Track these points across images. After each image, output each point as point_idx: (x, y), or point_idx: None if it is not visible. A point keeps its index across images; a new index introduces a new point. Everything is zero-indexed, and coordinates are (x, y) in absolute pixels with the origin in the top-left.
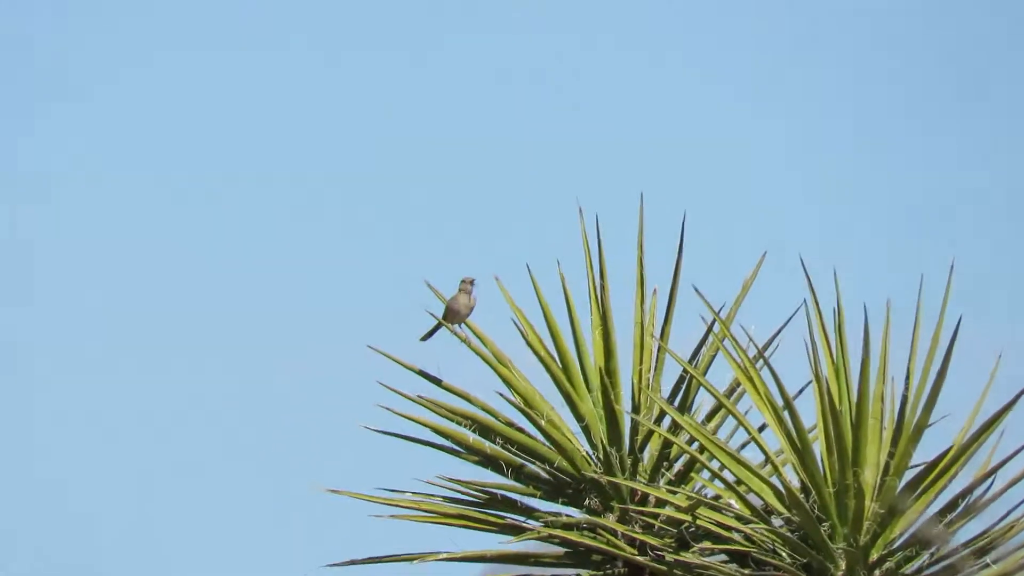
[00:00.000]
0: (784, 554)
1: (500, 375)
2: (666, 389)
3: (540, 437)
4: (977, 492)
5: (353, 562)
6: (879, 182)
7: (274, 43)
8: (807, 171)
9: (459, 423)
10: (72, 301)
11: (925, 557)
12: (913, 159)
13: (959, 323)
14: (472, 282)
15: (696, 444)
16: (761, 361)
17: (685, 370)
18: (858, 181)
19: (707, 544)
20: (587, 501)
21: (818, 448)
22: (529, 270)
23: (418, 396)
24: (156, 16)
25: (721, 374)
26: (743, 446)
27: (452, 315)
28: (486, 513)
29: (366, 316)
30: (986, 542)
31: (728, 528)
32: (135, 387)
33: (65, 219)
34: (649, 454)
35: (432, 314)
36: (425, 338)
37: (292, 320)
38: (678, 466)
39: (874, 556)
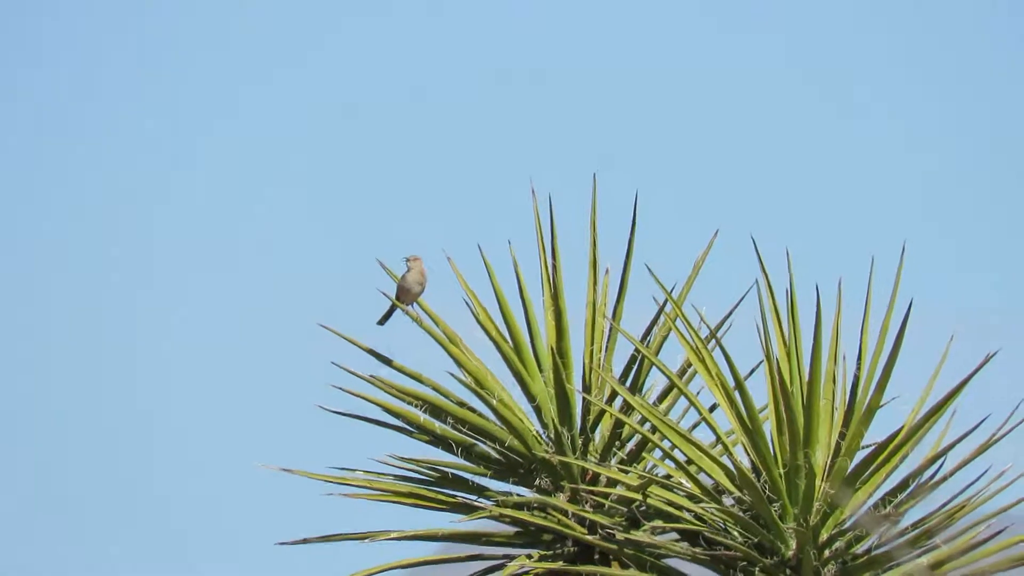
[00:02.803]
0: (735, 533)
1: (451, 354)
2: (618, 369)
3: (491, 417)
4: (928, 472)
5: (306, 540)
6: (834, 163)
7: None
8: (762, 151)
9: (410, 403)
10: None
11: (874, 538)
12: (867, 140)
13: (911, 304)
14: (416, 259)
15: (648, 424)
16: (713, 341)
17: (637, 350)
18: (810, 162)
19: (658, 523)
20: (538, 481)
21: (769, 428)
22: (481, 250)
23: (370, 376)
24: None
25: (673, 354)
26: (694, 426)
27: (404, 294)
28: (438, 492)
29: (318, 294)
30: (936, 522)
31: (679, 507)
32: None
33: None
34: (600, 434)
35: (386, 294)
36: (382, 322)
37: (245, 299)
38: (630, 446)
39: (824, 536)
